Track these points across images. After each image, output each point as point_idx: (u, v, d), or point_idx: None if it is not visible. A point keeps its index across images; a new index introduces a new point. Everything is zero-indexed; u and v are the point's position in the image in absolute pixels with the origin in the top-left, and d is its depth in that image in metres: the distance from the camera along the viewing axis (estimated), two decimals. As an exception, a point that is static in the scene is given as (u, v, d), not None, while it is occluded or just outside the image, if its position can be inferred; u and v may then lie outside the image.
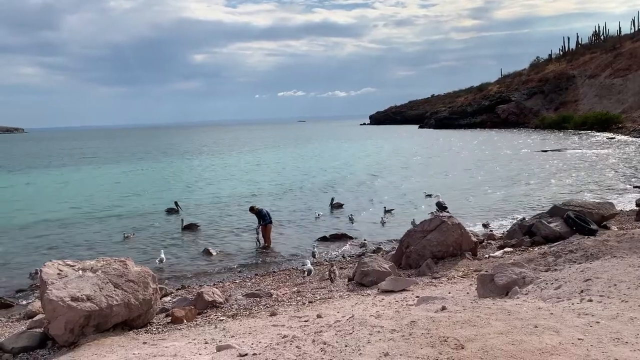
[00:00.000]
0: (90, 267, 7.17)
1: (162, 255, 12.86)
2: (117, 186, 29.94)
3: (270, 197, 23.48)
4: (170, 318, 7.53)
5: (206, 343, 5.60)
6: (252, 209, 15.18)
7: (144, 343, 6.18)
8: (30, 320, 7.97)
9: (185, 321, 7.35)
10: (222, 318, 7.39)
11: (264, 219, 14.68)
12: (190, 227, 16.81)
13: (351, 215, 17.62)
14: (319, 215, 18.19)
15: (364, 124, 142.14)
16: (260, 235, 14.68)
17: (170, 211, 20.30)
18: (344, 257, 13.08)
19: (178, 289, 10.76)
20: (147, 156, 56.17)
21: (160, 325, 7.32)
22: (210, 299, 8.30)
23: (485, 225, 15.43)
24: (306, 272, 10.75)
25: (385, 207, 18.07)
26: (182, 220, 17.20)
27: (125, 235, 15.85)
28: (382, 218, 17.25)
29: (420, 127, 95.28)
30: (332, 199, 20.36)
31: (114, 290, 6.89)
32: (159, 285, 8.05)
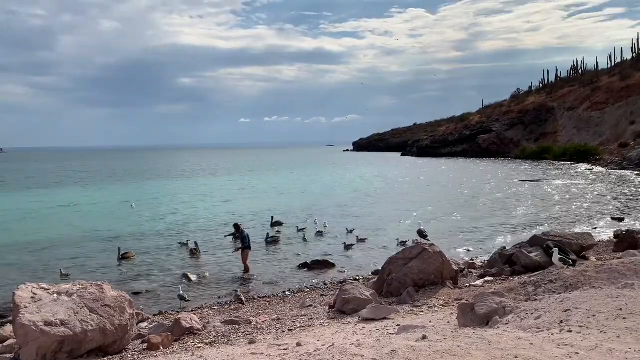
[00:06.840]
0: (65, 290, 7.01)
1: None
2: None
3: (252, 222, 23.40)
4: (146, 345, 7.36)
5: (182, 371, 5.47)
6: (237, 226, 15.20)
7: (118, 370, 6.03)
8: (0, 345, 7.72)
9: (161, 348, 7.19)
10: (199, 345, 7.24)
11: (243, 241, 14.56)
12: (127, 256, 16.01)
13: (345, 243, 17.56)
14: (304, 236, 18.75)
15: (348, 150, 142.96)
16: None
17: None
18: (325, 283, 12.98)
19: (155, 315, 10.56)
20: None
21: (135, 351, 7.15)
22: (187, 326, 8.15)
23: (466, 253, 15.48)
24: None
25: (357, 236, 18.32)
26: (119, 248, 16.36)
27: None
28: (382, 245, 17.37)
29: (402, 154, 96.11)
30: (272, 217, 21.39)
31: (89, 315, 6.73)
32: (135, 311, 7.89)
